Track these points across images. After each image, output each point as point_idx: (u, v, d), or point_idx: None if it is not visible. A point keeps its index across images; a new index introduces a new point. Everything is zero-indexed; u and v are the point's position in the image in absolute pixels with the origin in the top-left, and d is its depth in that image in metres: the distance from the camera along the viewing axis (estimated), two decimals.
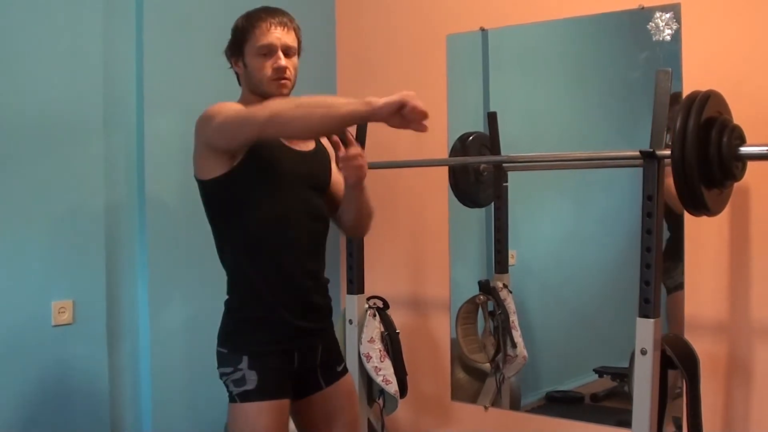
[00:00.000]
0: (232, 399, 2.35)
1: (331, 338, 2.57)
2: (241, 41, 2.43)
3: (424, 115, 2.09)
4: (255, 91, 2.41)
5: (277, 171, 2.36)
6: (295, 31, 2.44)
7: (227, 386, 2.36)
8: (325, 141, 2.58)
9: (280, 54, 2.37)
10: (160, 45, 3.32)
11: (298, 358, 2.40)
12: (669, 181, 2.52)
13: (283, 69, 2.37)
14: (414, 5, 3.83)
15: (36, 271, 2.96)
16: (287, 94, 2.41)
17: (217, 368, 2.39)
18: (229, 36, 3.47)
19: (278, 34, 2.37)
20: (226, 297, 2.45)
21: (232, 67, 2.50)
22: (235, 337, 2.39)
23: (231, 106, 2.30)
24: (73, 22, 3.06)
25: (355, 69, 4.02)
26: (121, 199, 3.24)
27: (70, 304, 3.04)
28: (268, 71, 2.37)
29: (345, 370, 2.59)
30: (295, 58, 2.43)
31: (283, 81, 2.38)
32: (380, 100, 2.07)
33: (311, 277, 2.44)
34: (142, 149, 3.26)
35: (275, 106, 2.18)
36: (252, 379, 2.31)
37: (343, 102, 2.13)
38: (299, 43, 2.46)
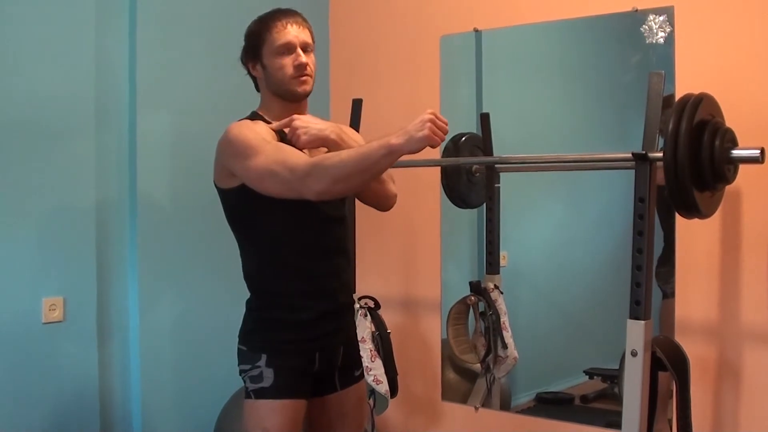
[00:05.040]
0: (248, 395, 2.35)
1: (353, 339, 2.58)
2: (257, 45, 2.40)
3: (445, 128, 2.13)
4: (277, 92, 2.40)
5: None
6: (309, 29, 2.44)
7: (245, 383, 2.36)
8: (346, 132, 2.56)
9: (300, 51, 2.36)
10: (153, 43, 3.31)
11: (319, 358, 2.40)
12: None
13: (304, 65, 2.36)
14: (407, 6, 3.83)
15: (27, 268, 2.96)
16: (310, 91, 2.42)
17: (238, 365, 2.39)
18: (222, 34, 3.51)
19: (295, 32, 2.37)
20: (248, 297, 2.44)
21: (249, 73, 2.47)
22: (255, 336, 2.39)
23: (256, 144, 2.24)
24: (65, 19, 3.05)
25: (348, 70, 4.02)
26: (113, 196, 3.23)
27: (61, 301, 3.03)
28: (289, 69, 2.36)
29: (361, 376, 2.59)
30: (312, 56, 2.43)
31: (304, 77, 2.38)
32: (411, 136, 2.09)
33: (332, 277, 2.44)
34: (134, 147, 3.26)
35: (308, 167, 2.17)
36: (269, 377, 2.31)
37: (375, 147, 2.12)
38: (313, 41, 2.46)
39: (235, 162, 2.28)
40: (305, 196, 2.17)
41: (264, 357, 2.33)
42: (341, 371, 2.48)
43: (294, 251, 2.37)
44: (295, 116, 2.36)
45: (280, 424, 2.30)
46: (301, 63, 2.36)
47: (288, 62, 2.36)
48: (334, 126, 2.41)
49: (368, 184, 2.38)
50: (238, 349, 2.40)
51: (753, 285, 2.90)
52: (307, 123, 2.34)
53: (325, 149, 2.33)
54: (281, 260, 2.37)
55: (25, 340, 2.95)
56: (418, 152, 2.12)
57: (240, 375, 2.37)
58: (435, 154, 3.64)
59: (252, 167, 2.23)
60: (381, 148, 2.10)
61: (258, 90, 2.49)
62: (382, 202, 2.58)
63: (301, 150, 2.30)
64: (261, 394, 2.32)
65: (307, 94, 2.42)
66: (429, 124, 2.08)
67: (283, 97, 2.40)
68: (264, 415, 2.31)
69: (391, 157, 2.11)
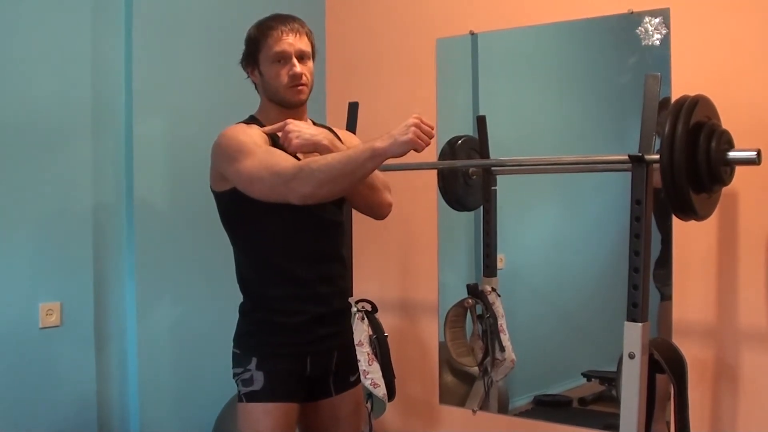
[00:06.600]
0: (240, 399, 2.36)
1: (348, 345, 2.57)
2: (254, 51, 2.42)
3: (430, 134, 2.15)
4: (273, 99, 2.42)
5: None
6: (307, 35, 2.43)
7: (237, 386, 2.37)
8: (345, 137, 2.58)
9: (295, 61, 2.37)
10: (149, 47, 3.31)
11: (311, 363, 2.40)
12: None
13: (299, 75, 2.37)
14: (403, 9, 3.83)
15: (24, 273, 2.96)
16: (305, 100, 2.43)
17: (231, 368, 2.40)
18: (218, 38, 3.52)
19: (291, 40, 2.37)
20: (241, 300, 2.45)
21: (249, 77, 2.49)
22: (247, 339, 2.40)
23: (247, 148, 2.25)
24: (61, 24, 3.05)
25: (344, 73, 4.02)
26: (110, 201, 3.23)
27: (58, 306, 3.03)
28: (284, 78, 2.36)
29: (357, 381, 2.59)
30: (310, 63, 2.43)
31: (299, 87, 2.38)
32: (395, 139, 2.12)
33: (327, 282, 2.44)
34: (130, 152, 3.26)
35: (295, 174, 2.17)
36: (259, 380, 2.32)
37: (360, 150, 2.15)
38: (313, 47, 2.46)
39: (226, 165, 2.29)
40: (290, 199, 2.18)
41: (254, 360, 2.34)
42: (336, 376, 2.48)
43: (287, 256, 2.37)
44: (289, 120, 2.36)
45: (272, 427, 2.31)
46: (295, 73, 2.36)
47: (283, 71, 2.37)
48: (327, 132, 2.42)
49: (355, 188, 2.36)
50: (232, 352, 2.41)
51: (750, 287, 2.90)
52: (300, 127, 2.35)
53: (318, 155, 2.33)
54: (274, 264, 2.37)
55: (22, 346, 2.94)
56: (402, 156, 2.14)
57: (233, 378, 2.38)
58: (431, 156, 3.64)
59: (241, 170, 2.24)
60: (366, 151, 2.13)
61: (258, 93, 2.50)
62: (376, 211, 2.57)
63: (293, 154, 2.30)
64: (252, 397, 2.33)
65: (302, 103, 2.43)
66: (413, 128, 2.10)
67: (279, 104, 2.41)
68: (256, 419, 2.32)
69: (375, 160, 2.13)
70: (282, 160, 2.23)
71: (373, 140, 2.14)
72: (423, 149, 2.13)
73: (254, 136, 2.32)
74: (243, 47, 2.48)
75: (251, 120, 2.44)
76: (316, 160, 2.20)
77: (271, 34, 2.38)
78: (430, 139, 2.14)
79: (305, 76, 2.39)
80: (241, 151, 2.25)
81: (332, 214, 2.46)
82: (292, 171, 2.17)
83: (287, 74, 2.37)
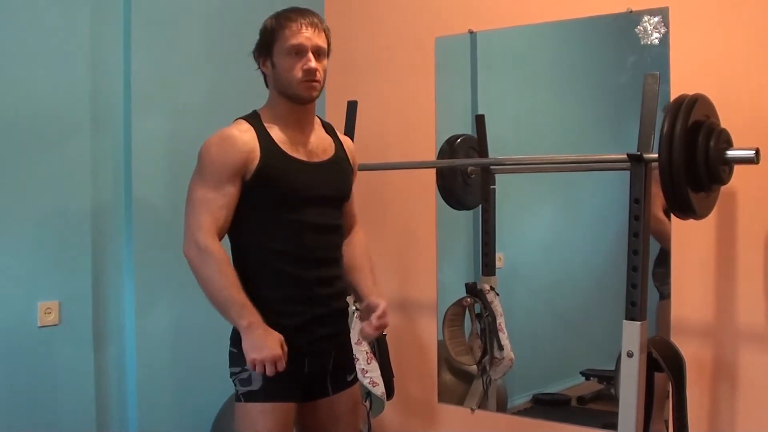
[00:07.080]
0: (238, 398, 2.35)
1: (346, 345, 2.58)
2: (269, 41, 2.36)
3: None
4: (284, 92, 2.37)
5: (288, 186, 2.35)
6: (325, 32, 2.39)
7: (235, 385, 2.36)
8: (347, 144, 2.62)
9: (311, 55, 2.32)
10: (148, 46, 3.31)
11: (309, 363, 2.39)
12: (657, 190, 2.54)
13: (314, 71, 2.33)
14: (402, 8, 3.83)
15: (22, 271, 2.95)
16: (316, 96, 2.40)
17: (228, 367, 2.39)
18: (218, 37, 3.51)
19: (309, 35, 2.32)
20: None
21: (259, 68, 2.43)
22: None
23: (205, 174, 2.31)
24: (60, 22, 3.05)
25: (343, 72, 4.00)
26: (108, 200, 3.23)
27: (56, 305, 3.03)
28: (298, 73, 2.32)
29: (355, 380, 2.59)
30: (324, 61, 2.39)
31: (313, 83, 2.35)
32: (254, 342, 2.23)
33: (325, 284, 2.43)
34: (129, 150, 3.25)
35: (196, 253, 2.28)
36: (257, 380, 2.30)
37: (231, 308, 2.28)
38: (329, 45, 2.41)
39: (192, 174, 2.33)
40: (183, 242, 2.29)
41: None
42: (333, 376, 2.48)
43: (286, 258, 2.36)
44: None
45: (270, 427, 2.30)
46: (309, 68, 2.32)
47: (298, 65, 2.32)
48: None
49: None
50: (229, 351, 2.39)
51: (749, 285, 2.90)
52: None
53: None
54: (272, 266, 2.36)
55: (20, 344, 2.94)
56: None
57: (230, 377, 2.37)
58: (430, 155, 3.65)
59: (189, 189, 2.31)
60: (240, 315, 2.27)
61: (267, 86, 2.46)
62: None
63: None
64: (250, 397, 2.32)
65: (312, 99, 2.40)
66: (266, 363, 2.20)
67: (290, 98, 2.37)
68: (255, 418, 2.32)
69: (231, 320, 2.29)
70: (209, 221, 2.28)
71: (254, 318, 2.25)
72: (257, 370, 2.22)
73: (228, 162, 2.30)
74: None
75: (253, 116, 2.40)
76: (224, 270, 2.28)
77: (290, 25, 2.33)
78: (266, 371, 2.21)
79: (319, 72, 2.35)
80: (200, 175, 2.31)
81: (331, 218, 2.45)
82: (201, 241, 2.26)
83: (302, 68, 2.32)
